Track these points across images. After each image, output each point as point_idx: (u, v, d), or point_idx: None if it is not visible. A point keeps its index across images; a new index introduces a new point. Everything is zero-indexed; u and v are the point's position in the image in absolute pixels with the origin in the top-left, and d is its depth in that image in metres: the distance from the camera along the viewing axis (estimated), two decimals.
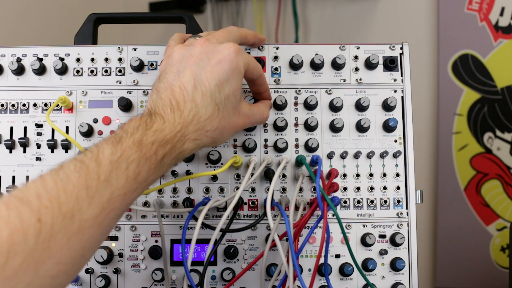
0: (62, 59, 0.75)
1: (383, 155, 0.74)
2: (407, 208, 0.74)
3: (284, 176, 0.74)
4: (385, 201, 0.74)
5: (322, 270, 0.71)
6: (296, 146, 0.74)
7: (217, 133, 0.61)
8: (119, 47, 0.76)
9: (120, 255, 0.72)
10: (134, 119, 0.57)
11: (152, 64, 0.75)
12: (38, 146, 0.73)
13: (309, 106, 0.74)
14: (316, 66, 0.75)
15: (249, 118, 0.67)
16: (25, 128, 0.74)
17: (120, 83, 0.75)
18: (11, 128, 0.74)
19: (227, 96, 0.61)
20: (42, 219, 0.44)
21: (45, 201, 0.46)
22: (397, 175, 0.74)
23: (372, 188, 0.74)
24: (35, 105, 0.74)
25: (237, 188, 0.73)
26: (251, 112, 0.67)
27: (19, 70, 0.74)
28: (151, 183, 0.56)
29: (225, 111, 0.61)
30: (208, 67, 0.60)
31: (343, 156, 0.74)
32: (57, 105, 0.73)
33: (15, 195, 0.46)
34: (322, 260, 0.68)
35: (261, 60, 0.75)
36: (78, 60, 0.75)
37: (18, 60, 0.75)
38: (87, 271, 0.72)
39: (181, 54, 0.63)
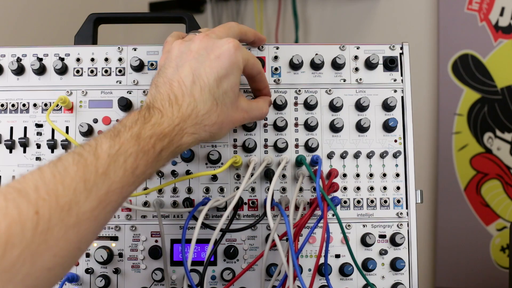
0: (62, 59, 0.75)
1: (383, 155, 0.74)
2: (407, 208, 0.74)
3: (284, 176, 0.74)
4: (385, 201, 0.74)
5: (322, 270, 0.71)
6: (296, 146, 0.74)
7: (215, 127, 0.61)
8: (119, 47, 0.76)
9: (120, 255, 0.72)
10: (133, 113, 0.57)
11: (152, 64, 0.75)
12: (38, 146, 0.73)
13: (309, 106, 0.74)
14: (316, 66, 0.75)
15: (248, 113, 0.67)
16: (25, 128, 0.74)
17: (120, 83, 0.75)
18: (11, 128, 0.74)
19: (225, 91, 0.61)
20: (39, 211, 0.45)
21: (43, 194, 0.46)
22: (397, 175, 0.74)
23: (372, 188, 0.74)
24: (35, 105, 0.74)
25: (237, 188, 0.73)
26: (249, 107, 0.67)
27: (19, 70, 0.74)
28: (148, 177, 0.56)
29: (224, 106, 0.61)
30: (207, 62, 0.60)
31: (343, 156, 0.74)
32: (57, 105, 0.73)
33: (13, 186, 0.46)
34: (322, 260, 0.68)
35: (261, 60, 0.75)
36: (78, 60, 0.75)
37: (18, 60, 0.75)
38: (87, 271, 0.72)
39: (180, 49, 0.63)
